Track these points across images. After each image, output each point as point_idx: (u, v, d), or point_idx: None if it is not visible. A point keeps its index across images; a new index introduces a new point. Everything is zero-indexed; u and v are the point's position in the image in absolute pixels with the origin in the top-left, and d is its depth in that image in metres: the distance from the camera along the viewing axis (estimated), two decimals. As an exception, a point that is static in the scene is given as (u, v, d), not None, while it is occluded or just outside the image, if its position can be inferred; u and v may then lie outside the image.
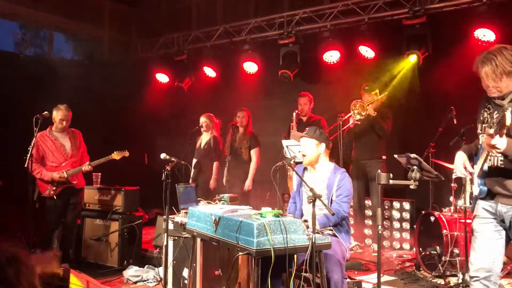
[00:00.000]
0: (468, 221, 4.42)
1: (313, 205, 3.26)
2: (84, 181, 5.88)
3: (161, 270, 5.06)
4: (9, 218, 5.94)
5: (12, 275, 1.48)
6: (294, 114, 6.52)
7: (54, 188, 5.53)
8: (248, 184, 6.53)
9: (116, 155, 5.76)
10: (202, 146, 6.81)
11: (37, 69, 7.94)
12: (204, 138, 6.85)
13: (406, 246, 6.39)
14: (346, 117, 6.00)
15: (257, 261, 3.13)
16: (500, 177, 2.94)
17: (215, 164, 6.68)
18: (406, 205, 6.46)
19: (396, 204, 6.54)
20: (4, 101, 7.08)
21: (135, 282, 5.26)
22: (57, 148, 5.63)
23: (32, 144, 5.27)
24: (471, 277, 3.05)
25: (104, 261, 5.89)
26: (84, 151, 5.89)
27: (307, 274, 3.36)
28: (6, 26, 8.96)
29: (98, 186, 6.19)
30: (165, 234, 4.32)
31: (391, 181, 3.32)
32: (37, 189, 5.58)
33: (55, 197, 5.55)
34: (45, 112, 5.41)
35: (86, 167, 5.64)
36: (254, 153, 6.59)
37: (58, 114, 5.64)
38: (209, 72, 8.42)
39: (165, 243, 4.34)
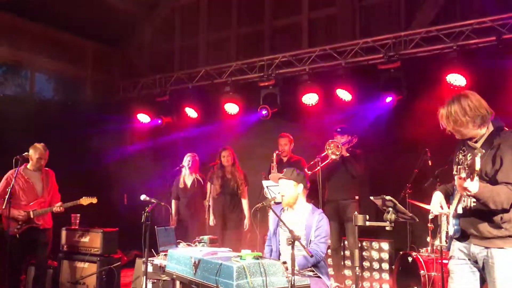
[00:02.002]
0: (444, 261, 4.49)
1: (292, 247, 3.30)
2: (51, 222, 5.81)
3: (139, 314, 4.97)
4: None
5: None
6: (275, 154, 6.60)
7: (18, 226, 5.46)
8: (247, 223, 6.50)
9: (84, 201, 5.76)
10: (189, 187, 6.81)
11: (17, 109, 7.93)
12: (189, 178, 6.84)
13: (386, 286, 6.40)
14: (323, 155, 6.12)
15: (236, 304, 3.13)
16: (473, 218, 3.00)
17: (207, 203, 6.67)
18: (385, 246, 6.51)
19: (375, 245, 6.58)
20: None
21: (112, 327, 5.15)
22: (28, 187, 5.61)
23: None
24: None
25: (81, 305, 5.76)
26: (55, 191, 5.88)
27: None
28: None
29: (77, 227, 6.12)
30: (144, 276, 4.28)
31: (367, 223, 3.38)
32: (1, 226, 5.49)
33: (17, 236, 5.47)
34: (25, 153, 5.42)
35: (57, 208, 5.63)
36: (246, 191, 6.63)
37: (36, 153, 5.65)
38: (191, 112, 8.52)
39: (144, 286, 4.29)
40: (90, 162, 8.20)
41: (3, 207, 5.38)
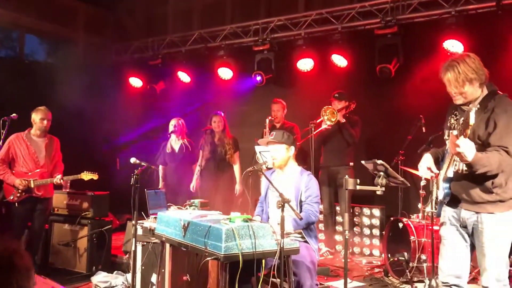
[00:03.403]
0: (435, 227, 4.50)
1: (282, 210, 3.28)
2: (52, 191, 5.70)
3: (130, 276, 4.99)
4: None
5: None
6: (267, 120, 6.54)
7: (18, 194, 5.32)
8: (238, 188, 6.46)
9: (85, 175, 5.52)
10: (177, 151, 6.72)
11: (8, 71, 7.79)
12: (176, 143, 6.70)
13: (376, 252, 6.47)
14: (317, 121, 6.07)
15: (225, 266, 3.13)
16: (465, 182, 2.99)
17: (197, 168, 6.59)
18: (376, 212, 6.55)
19: (366, 211, 6.62)
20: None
21: (104, 288, 5.19)
22: (29, 154, 5.43)
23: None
24: (443, 283, 3.10)
25: (72, 267, 5.78)
26: (58, 160, 5.70)
27: (276, 279, 3.36)
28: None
29: (68, 190, 6.09)
30: (134, 239, 4.27)
31: (358, 187, 3.36)
32: (2, 193, 5.42)
33: (16, 204, 5.35)
34: (14, 114, 5.31)
35: (57, 180, 5.45)
36: (237, 156, 6.57)
37: (38, 114, 5.47)
38: (183, 77, 8.40)
39: (133, 248, 4.29)
40: (82, 126, 8.11)
41: (5, 174, 5.33)
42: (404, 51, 6.55)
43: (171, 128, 6.61)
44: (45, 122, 5.51)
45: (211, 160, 6.54)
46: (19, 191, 5.32)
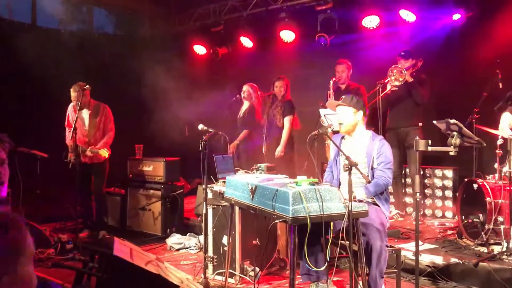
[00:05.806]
0: (513, 188, 4.28)
1: (349, 173, 3.25)
2: (101, 156, 5.87)
3: (202, 237, 5.20)
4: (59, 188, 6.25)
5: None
6: (331, 82, 6.39)
7: (73, 157, 5.62)
8: (279, 150, 6.37)
9: (102, 152, 5.79)
10: (241, 115, 6.85)
11: (79, 44, 8.12)
12: (243, 107, 6.86)
13: (449, 214, 6.28)
14: (385, 81, 5.86)
15: (293, 229, 3.17)
16: None
17: (243, 132, 6.68)
18: (449, 173, 6.31)
19: (438, 172, 6.40)
20: (47, 76, 7.27)
21: (178, 250, 5.45)
22: (78, 123, 5.74)
23: (75, 118, 5.50)
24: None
25: (148, 230, 6.12)
26: (107, 127, 5.97)
27: (345, 241, 3.36)
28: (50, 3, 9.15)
29: (140, 157, 6.37)
30: (204, 202, 4.42)
31: (429, 148, 3.24)
32: (67, 153, 5.79)
33: (70, 166, 5.69)
34: (87, 86, 5.59)
35: (89, 152, 5.77)
36: (287, 120, 6.43)
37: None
38: (246, 42, 8.36)
39: (204, 211, 4.44)
40: (151, 95, 8.36)
41: (67, 137, 5.84)
42: (479, 2, 6.11)
43: (243, 93, 6.69)
44: (75, 102, 5.83)
45: (270, 125, 6.57)
46: (73, 154, 5.66)
